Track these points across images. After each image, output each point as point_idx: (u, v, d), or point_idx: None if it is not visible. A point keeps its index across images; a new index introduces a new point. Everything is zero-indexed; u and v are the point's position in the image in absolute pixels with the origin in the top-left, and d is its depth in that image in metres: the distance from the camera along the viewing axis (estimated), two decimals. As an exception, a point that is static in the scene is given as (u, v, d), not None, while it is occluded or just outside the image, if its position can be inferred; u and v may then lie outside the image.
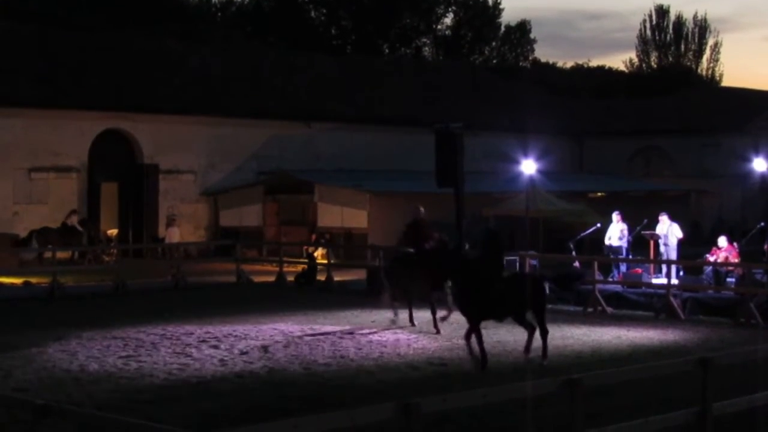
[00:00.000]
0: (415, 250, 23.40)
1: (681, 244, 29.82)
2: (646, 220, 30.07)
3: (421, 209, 25.60)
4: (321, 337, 21.43)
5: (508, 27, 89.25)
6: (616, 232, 29.89)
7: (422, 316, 25.15)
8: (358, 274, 33.92)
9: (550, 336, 22.07)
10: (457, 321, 24.22)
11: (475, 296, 18.19)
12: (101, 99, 44.55)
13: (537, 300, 18.76)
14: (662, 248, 29.31)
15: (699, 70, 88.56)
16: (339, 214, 43.35)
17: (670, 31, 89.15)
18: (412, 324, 23.16)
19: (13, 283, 32.71)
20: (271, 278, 33.67)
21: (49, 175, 43.05)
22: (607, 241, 30.16)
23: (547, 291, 20.47)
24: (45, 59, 45.79)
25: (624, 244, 29.91)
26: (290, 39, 70.74)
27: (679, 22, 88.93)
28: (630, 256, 29.86)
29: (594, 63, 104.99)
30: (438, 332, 21.94)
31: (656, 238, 29.25)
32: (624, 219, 30.13)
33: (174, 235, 40.38)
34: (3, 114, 41.65)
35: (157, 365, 17.76)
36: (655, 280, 27.78)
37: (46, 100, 43.10)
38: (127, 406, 14.29)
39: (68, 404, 12.92)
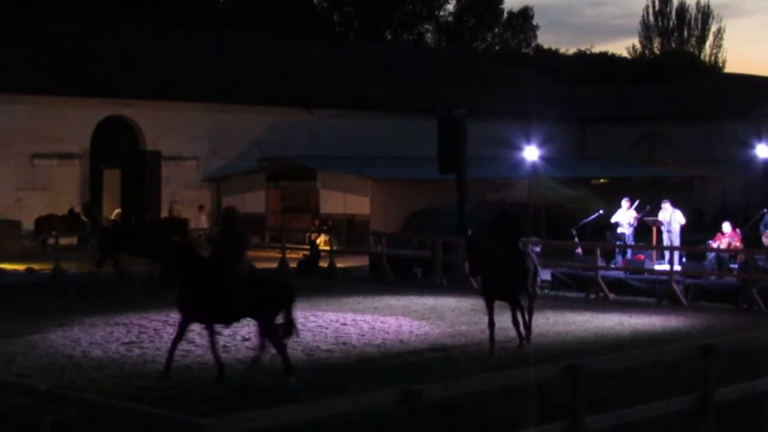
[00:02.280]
0: None
1: (684, 230, 29.82)
2: (648, 207, 30.05)
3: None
4: (323, 323, 21.45)
5: (511, 13, 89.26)
6: (626, 218, 29.84)
7: (423, 302, 25.23)
8: (360, 261, 33.95)
9: (552, 322, 22.19)
10: (459, 308, 24.31)
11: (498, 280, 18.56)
12: (104, 85, 44.58)
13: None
14: (665, 234, 29.32)
15: (702, 56, 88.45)
16: (341, 201, 43.39)
17: (673, 17, 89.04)
18: None
19: (16, 270, 32.75)
20: (274, 265, 33.67)
21: (52, 162, 43.10)
22: (613, 219, 30.15)
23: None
24: (47, 46, 45.78)
25: (631, 230, 29.89)
26: (293, 25, 70.66)
27: (682, 8, 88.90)
28: (634, 243, 29.85)
29: (597, 49, 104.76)
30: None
31: (659, 224, 29.25)
32: (633, 205, 30.07)
33: (202, 222, 41.00)
34: (5, 101, 41.67)
35: (159, 351, 17.76)
36: (657, 267, 27.80)
37: (49, 86, 43.13)
38: (130, 393, 14.31)
39: (71, 390, 12.94)
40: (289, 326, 15.21)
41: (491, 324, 18.19)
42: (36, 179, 42.60)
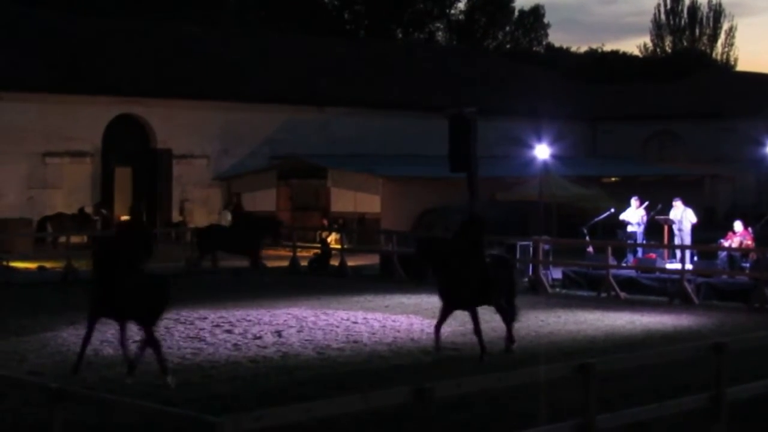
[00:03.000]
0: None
1: (695, 228, 29.76)
2: (660, 205, 29.99)
3: None
4: (334, 321, 21.44)
5: (522, 12, 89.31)
6: (635, 217, 29.79)
7: (434, 301, 25.17)
8: (371, 259, 33.95)
9: (563, 320, 22.14)
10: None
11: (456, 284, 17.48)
12: (115, 84, 44.65)
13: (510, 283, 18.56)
14: (676, 233, 29.26)
15: (713, 55, 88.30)
16: (352, 199, 43.40)
17: (685, 15, 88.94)
18: None
19: (27, 268, 32.81)
20: (285, 263, 33.69)
21: (63, 160, 43.18)
22: (622, 217, 30.08)
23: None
24: (59, 44, 45.88)
25: (641, 229, 29.82)
26: (304, 24, 70.68)
27: (694, 6, 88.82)
28: (644, 241, 29.78)
29: (608, 47, 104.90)
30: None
31: (670, 223, 29.19)
32: (644, 204, 29.99)
33: (226, 220, 41.10)
34: (18, 99, 41.76)
35: (170, 350, 17.78)
36: (669, 265, 27.73)
37: (61, 85, 43.22)
38: (141, 390, 14.32)
39: (82, 388, 12.95)
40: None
41: (437, 326, 17.72)
42: (47, 177, 42.68)
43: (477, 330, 17.38)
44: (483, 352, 17.17)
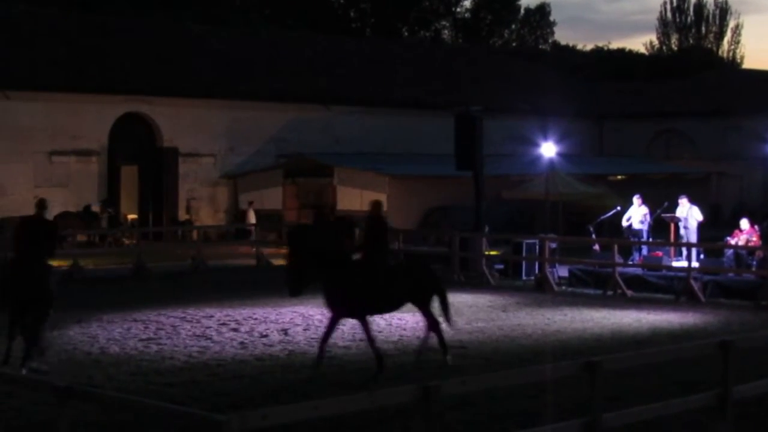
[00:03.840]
0: None
1: (701, 226, 29.72)
2: (666, 203, 29.96)
3: None
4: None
5: (528, 10, 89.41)
6: (637, 215, 29.78)
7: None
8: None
9: (569, 318, 22.12)
10: (476, 304, 24.28)
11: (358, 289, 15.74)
12: (121, 82, 44.69)
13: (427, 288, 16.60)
14: (682, 231, 29.22)
15: (720, 53, 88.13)
16: (358, 197, 43.32)
17: (691, 13, 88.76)
18: None
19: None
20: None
21: (70, 159, 43.24)
22: (624, 223, 30.02)
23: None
24: (65, 43, 45.92)
25: (645, 227, 29.80)
26: (309, 22, 70.70)
27: (700, 3, 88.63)
28: (650, 239, 29.76)
29: (614, 45, 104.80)
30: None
31: (676, 220, 29.15)
32: (645, 202, 29.98)
33: (252, 218, 41.29)
34: (24, 98, 41.84)
35: (177, 348, 17.81)
36: (675, 263, 27.70)
37: (67, 83, 43.26)
38: (148, 389, 14.34)
39: (89, 386, 12.97)
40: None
41: (323, 338, 15.90)
42: (54, 176, 42.73)
43: (369, 339, 15.83)
44: (380, 366, 15.58)
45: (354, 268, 15.85)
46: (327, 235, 16.72)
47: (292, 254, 15.72)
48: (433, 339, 16.54)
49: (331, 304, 15.78)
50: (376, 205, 17.15)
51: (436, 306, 16.74)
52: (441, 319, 16.69)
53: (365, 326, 15.82)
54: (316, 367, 15.51)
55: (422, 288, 16.53)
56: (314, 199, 46.09)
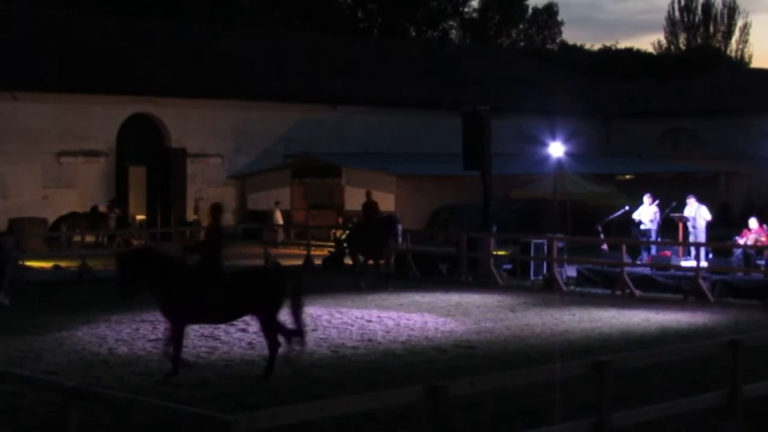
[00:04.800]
0: None
1: (709, 226, 29.66)
2: (674, 203, 29.90)
3: None
4: (349, 320, 21.45)
5: (535, 9, 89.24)
6: (648, 214, 29.72)
7: (448, 299, 25.21)
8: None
9: (577, 318, 22.07)
10: (484, 304, 24.28)
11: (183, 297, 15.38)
12: (129, 83, 44.75)
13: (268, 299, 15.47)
14: (690, 230, 29.16)
15: (728, 52, 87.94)
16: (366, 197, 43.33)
17: (699, 12, 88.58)
18: None
19: (42, 267, 32.90)
20: (299, 262, 33.71)
21: (78, 160, 43.32)
22: (636, 217, 29.92)
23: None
24: (73, 44, 45.99)
25: (654, 226, 29.74)
26: (317, 22, 70.71)
27: (708, 3, 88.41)
28: (658, 239, 29.71)
29: (622, 45, 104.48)
30: None
31: (684, 220, 29.09)
32: (654, 202, 29.90)
33: (278, 218, 41.37)
34: (32, 99, 41.91)
35: (185, 348, 17.74)
36: (684, 263, 27.64)
37: (75, 85, 43.33)
38: (156, 389, 14.35)
39: (98, 387, 12.99)
40: None
41: (176, 351, 15.47)
42: (62, 177, 42.81)
43: (175, 348, 15.43)
44: (173, 372, 15.22)
45: (186, 277, 15.42)
46: (160, 252, 16.37)
47: (124, 263, 15.52)
48: (291, 348, 15.60)
49: (163, 311, 15.73)
50: (216, 209, 16.73)
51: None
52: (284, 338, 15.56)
53: (176, 333, 15.42)
54: (171, 376, 15.13)
55: (263, 299, 15.36)
56: (322, 199, 46.12)
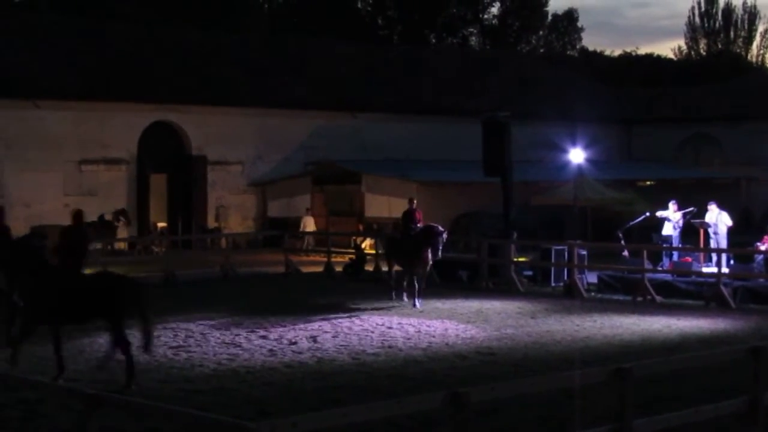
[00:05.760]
0: None
1: (730, 232, 29.55)
2: (695, 209, 29.81)
3: None
4: (369, 327, 21.45)
5: (555, 16, 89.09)
6: (673, 217, 29.61)
7: (469, 305, 25.18)
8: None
9: (598, 324, 22.00)
10: (505, 311, 24.25)
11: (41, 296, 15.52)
12: (150, 91, 44.89)
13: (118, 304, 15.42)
14: (712, 237, 29.06)
15: (749, 57, 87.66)
16: (386, 204, 43.33)
17: (719, 17, 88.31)
18: None
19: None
20: (320, 268, 33.73)
21: (99, 167, 43.47)
22: (660, 214, 29.76)
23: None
24: (94, 52, 46.18)
25: (677, 233, 29.66)
26: (337, 29, 70.80)
27: (729, 8, 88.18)
28: (680, 245, 29.61)
29: (642, 51, 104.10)
30: None
31: (705, 226, 29.00)
32: (680, 209, 29.81)
33: (309, 224, 41.41)
34: (53, 107, 42.10)
35: (206, 355, 17.85)
36: (705, 269, 27.56)
37: (96, 93, 43.50)
38: (177, 396, 14.39)
39: (118, 394, 13.01)
40: None
41: (58, 353, 15.72)
42: (83, 185, 42.95)
43: (56, 350, 15.70)
44: (60, 373, 15.49)
45: (43, 278, 15.49)
46: (24, 246, 16.57)
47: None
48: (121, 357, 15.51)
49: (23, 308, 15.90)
50: (77, 215, 16.80)
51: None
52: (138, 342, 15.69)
53: (55, 334, 15.66)
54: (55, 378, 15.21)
55: (113, 304, 15.32)
56: (342, 206, 46.14)
